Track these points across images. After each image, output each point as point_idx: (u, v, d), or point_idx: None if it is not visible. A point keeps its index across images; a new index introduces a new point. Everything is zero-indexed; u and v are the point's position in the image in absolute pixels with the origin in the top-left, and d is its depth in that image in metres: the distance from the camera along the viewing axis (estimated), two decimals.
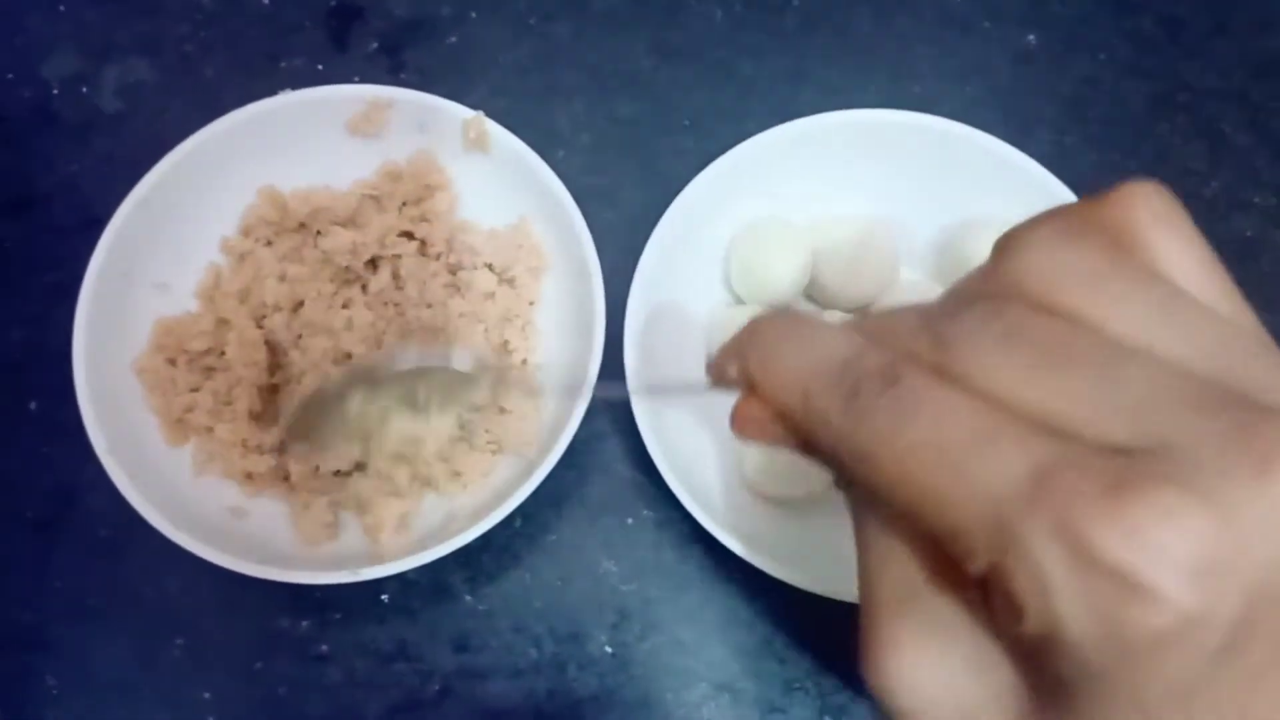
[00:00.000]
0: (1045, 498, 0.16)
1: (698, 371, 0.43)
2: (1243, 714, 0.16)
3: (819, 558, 0.39)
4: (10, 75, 0.49)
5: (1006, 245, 0.20)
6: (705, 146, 0.48)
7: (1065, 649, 0.16)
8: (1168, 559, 0.15)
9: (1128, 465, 0.16)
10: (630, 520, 0.43)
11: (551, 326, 0.43)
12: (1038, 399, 0.17)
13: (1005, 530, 0.16)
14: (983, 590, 0.18)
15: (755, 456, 0.41)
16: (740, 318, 0.42)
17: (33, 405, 0.44)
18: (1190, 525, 0.15)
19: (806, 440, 0.21)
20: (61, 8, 0.50)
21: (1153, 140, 0.48)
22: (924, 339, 0.19)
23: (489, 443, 0.41)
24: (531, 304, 0.43)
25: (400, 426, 0.37)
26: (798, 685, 0.41)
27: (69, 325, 0.39)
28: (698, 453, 0.41)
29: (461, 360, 0.36)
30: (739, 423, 0.22)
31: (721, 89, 0.49)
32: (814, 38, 0.50)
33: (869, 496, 0.20)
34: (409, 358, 0.35)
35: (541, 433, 0.41)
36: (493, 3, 0.50)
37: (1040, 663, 0.17)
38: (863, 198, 0.44)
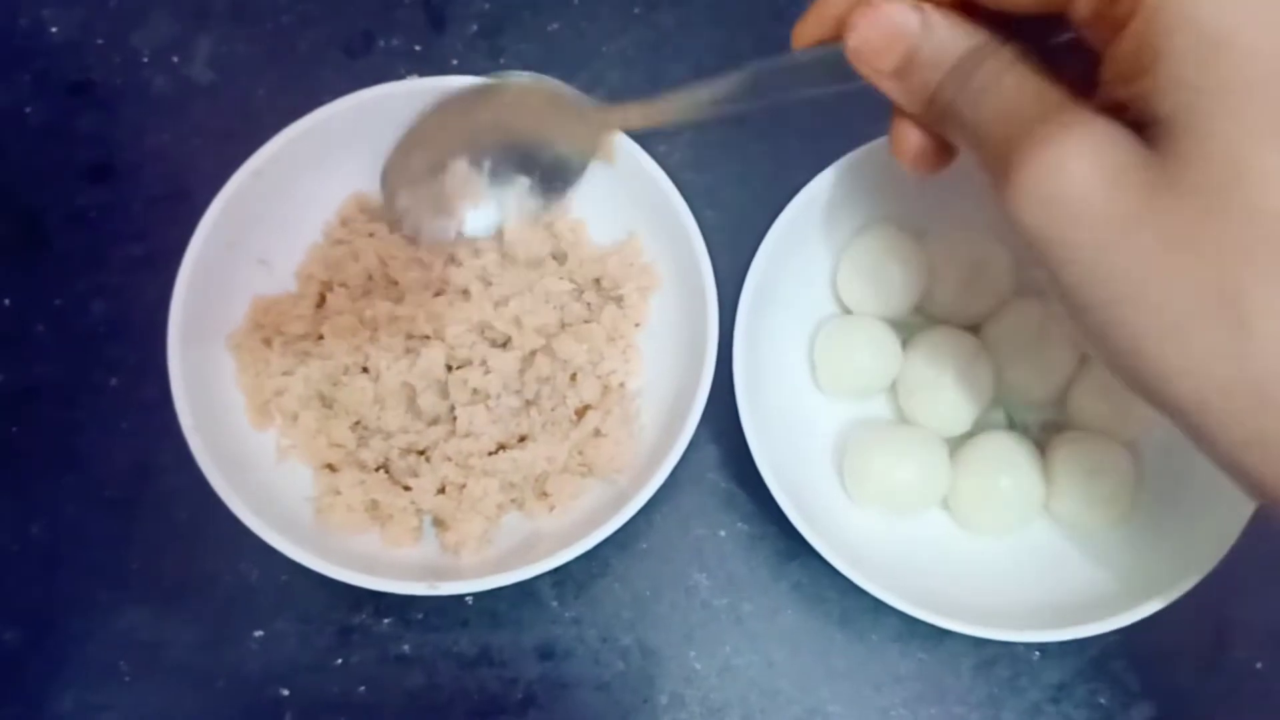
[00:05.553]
0: None
1: (798, 383, 0.41)
2: None
3: (923, 581, 0.37)
4: (100, 41, 0.48)
5: None
6: (812, 149, 0.46)
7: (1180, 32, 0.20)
8: None
9: None
10: (723, 532, 0.42)
11: (653, 348, 0.41)
12: None
13: None
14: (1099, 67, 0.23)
15: (860, 470, 0.39)
16: (849, 329, 0.41)
17: (114, 381, 0.43)
18: None
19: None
20: None
21: None
22: None
23: (580, 465, 0.40)
24: (637, 326, 0.41)
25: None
26: (893, 713, 0.40)
27: (152, 299, 0.38)
28: (797, 463, 0.39)
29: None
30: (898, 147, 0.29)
31: None
32: None
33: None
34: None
35: (636, 461, 0.39)
36: None
37: (1150, 99, 0.21)
38: (978, 209, 0.42)
